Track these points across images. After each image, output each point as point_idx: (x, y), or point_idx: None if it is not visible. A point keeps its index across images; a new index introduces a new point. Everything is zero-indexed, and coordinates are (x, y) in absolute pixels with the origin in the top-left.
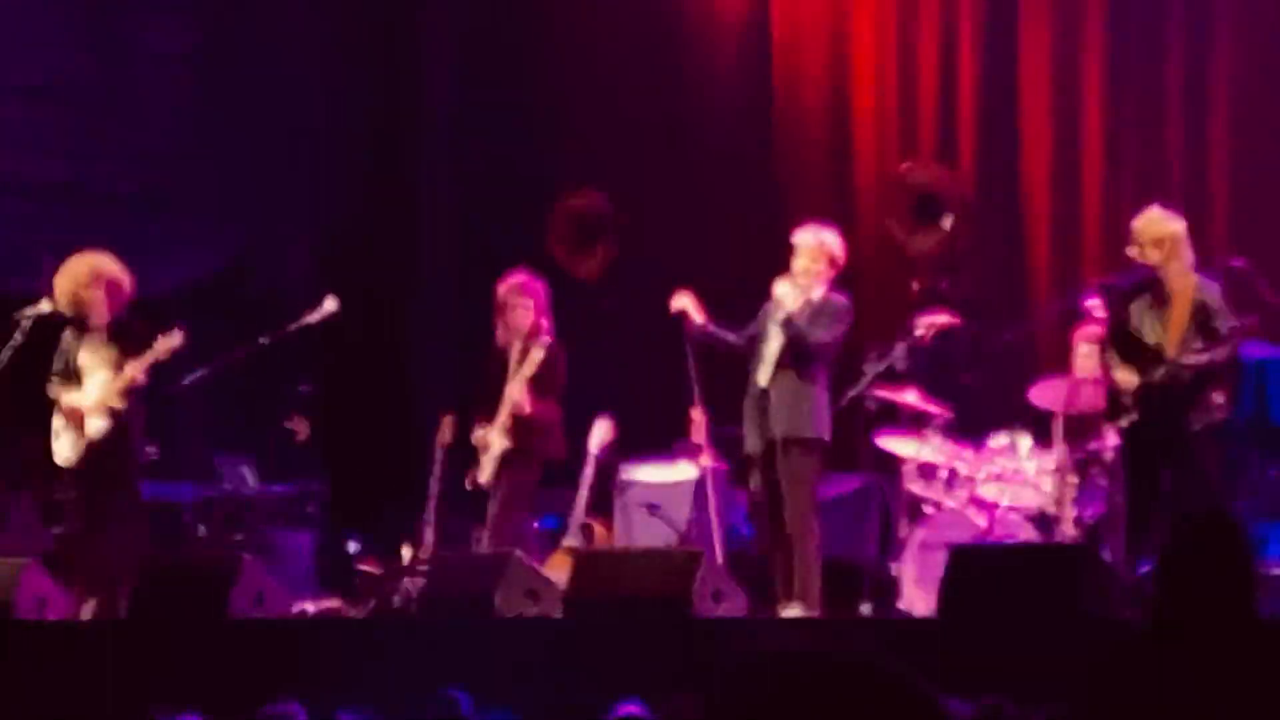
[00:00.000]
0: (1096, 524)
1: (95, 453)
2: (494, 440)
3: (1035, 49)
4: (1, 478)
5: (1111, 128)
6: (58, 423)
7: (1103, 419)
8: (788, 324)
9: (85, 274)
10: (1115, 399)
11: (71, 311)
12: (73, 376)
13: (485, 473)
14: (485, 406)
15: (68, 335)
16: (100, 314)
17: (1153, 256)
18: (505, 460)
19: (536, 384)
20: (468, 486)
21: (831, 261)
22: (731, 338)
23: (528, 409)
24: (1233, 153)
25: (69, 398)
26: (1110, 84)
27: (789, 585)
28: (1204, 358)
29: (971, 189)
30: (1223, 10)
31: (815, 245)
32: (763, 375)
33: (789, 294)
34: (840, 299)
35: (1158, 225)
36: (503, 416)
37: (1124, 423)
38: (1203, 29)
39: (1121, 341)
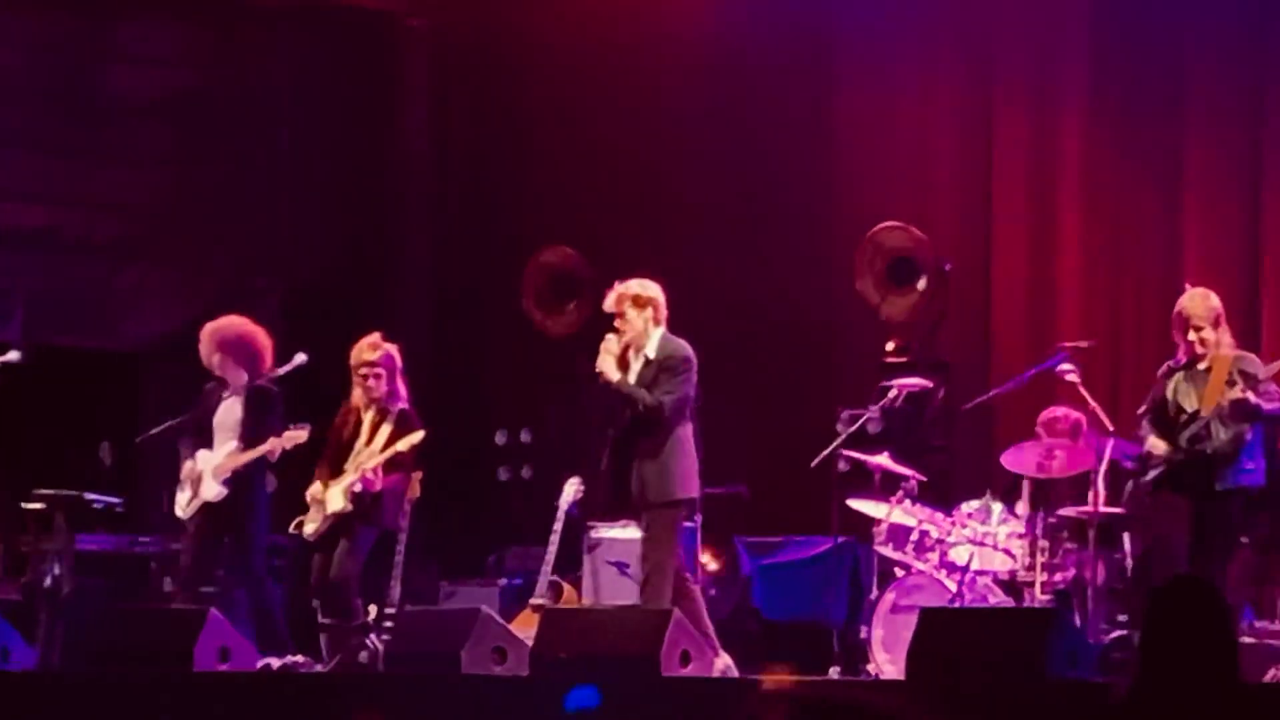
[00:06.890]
0: (1066, 589)
1: (210, 514)
2: (333, 499)
3: (1011, 113)
4: None
5: (1088, 191)
6: (183, 474)
7: (1092, 480)
8: (615, 390)
9: (206, 337)
10: (1145, 465)
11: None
12: (204, 432)
13: (311, 526)
14: (329, 463)
15: (210, 387)
16: (234, 378)
17: (1205, 334)
18: (342, 525)
19: (389, 459)
20: (290, 530)
21: (638, 302)
22: None
23: (377, 486)
24: (1201, 223)
25: (192, 464)
26: (1087, 146)
27: None
28: (1246, 395)
29: (946, 253)
30: (1197, 80)
31: (612, 299)
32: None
33: (612, 359)
34: (678, 352)
35: (1204, 302)
36: (349, 479)
37: (1149, 476)
38: (1177, 96)
39: (1159, 416)
